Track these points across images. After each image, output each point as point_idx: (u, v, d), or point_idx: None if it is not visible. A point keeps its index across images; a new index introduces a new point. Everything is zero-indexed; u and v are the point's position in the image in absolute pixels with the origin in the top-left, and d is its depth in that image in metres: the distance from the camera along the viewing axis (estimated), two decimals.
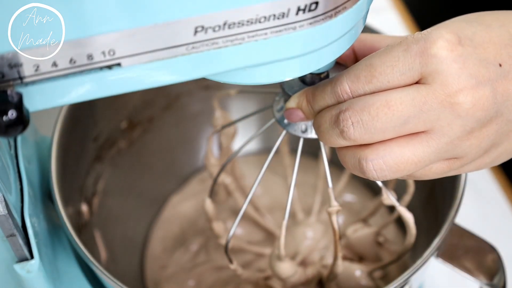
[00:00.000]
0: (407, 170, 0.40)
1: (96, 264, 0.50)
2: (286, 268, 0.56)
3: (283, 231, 0.52)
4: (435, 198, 0.61)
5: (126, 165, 0.69)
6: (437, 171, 0.42)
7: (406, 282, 0.50)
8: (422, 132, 0.39)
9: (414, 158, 0.39)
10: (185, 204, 0.73)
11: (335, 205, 0.51)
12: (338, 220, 0.52)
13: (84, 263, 0.57)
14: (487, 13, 0.41)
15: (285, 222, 0.51)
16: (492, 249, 0.54)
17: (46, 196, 0.58)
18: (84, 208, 0.62)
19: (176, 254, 0.69)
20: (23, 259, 0.48)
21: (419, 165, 0.40)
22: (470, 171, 0.43)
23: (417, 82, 0.39)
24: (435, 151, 0.40)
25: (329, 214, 0.52)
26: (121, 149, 0.67)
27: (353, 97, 0.40)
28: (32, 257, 0.48)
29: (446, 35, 0.38)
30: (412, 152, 0.39)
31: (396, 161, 0.39)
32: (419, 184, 0.59)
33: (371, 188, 0.71)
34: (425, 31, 0.39)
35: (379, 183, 0.52)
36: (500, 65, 0.39)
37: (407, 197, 0.58)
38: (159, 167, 0.72)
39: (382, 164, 0.40)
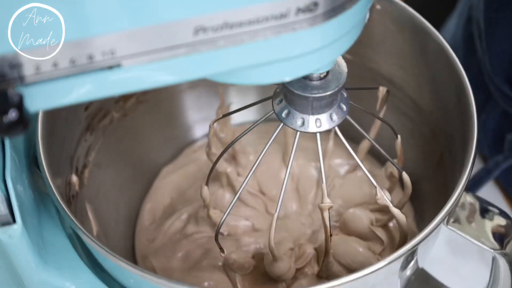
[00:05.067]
0: None
1: (86, 232, 0.47)
2: (281, 267, 0.56)
3: (273, 224, 0.51)
4: (444, 168, 0.58)
5: (119, 137, 0.67)
6: None
7: (414, 249, 0.46)
8: None
9: None
10: (174, 175, 0.71)
11: (327, 202, 0.51)
12: (331, 216, 0.52)
13: (73, 233, 0.54)
14: None
15: (276, 215, 0.50)
16: (505, 216, 0.51)
17: (32, 162, 0.55)
18: (74, 179, 0.59)
19: (165, 225, 0.67)
20: (4, 224, 0.46)
21: None
22: None
23: None
24: None
25: (321, 210, 0.52)
26: (114, 120, 0.65)
27: None
28: (14, 221, 0.46)
29: None
30: None
31: None
32: (427, 153, 0.58)
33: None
34: None
35: (374, 183, 0.51)
36: None
37: (404, 199, 0.58)
38: (153, 139, 0.71)
39: None
